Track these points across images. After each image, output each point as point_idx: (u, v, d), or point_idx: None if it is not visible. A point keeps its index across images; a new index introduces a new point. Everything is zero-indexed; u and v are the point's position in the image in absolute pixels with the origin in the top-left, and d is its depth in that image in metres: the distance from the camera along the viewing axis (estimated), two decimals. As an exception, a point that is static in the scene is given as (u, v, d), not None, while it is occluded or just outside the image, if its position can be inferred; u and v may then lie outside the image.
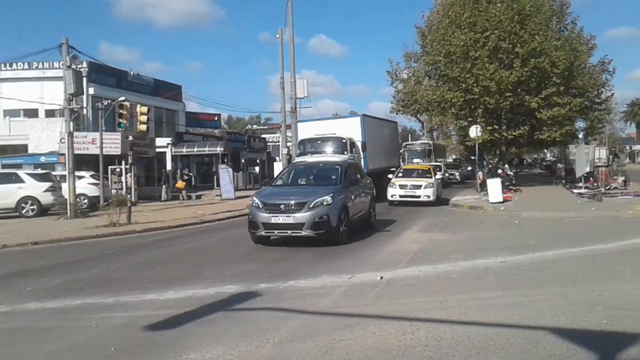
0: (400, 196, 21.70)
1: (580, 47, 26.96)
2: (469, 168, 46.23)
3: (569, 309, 6.06)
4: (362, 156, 22.01)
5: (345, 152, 20.41)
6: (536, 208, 18.26)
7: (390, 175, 22.94)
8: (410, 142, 51.10)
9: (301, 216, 11.24)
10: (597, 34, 29.97)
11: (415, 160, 36.49)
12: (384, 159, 26.38)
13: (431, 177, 22.40)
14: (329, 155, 19.51)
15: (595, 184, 22.49)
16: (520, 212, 17.07)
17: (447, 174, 37.26)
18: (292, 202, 11.44)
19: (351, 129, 22.76)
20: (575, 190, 22.75)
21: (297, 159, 18.23)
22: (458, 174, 42.06)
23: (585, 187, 22.37)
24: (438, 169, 31.39)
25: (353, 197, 12.80)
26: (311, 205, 11.23)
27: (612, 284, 7.31)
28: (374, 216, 14.90)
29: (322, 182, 12.91)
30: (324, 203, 11.34)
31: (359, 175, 14.53)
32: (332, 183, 12.56)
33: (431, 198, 21.43)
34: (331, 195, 11.53)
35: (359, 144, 22.20)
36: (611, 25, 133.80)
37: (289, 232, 11.50)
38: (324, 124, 24.36)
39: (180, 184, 31.99)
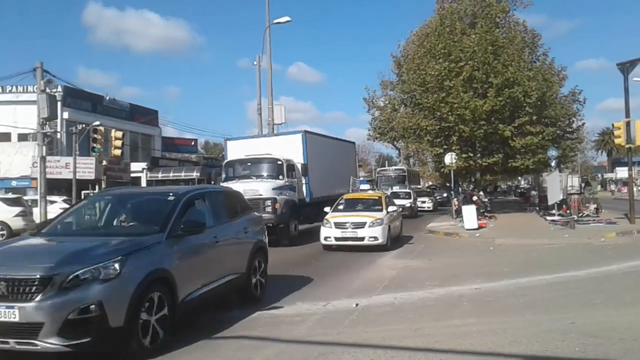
0: (337, 239, 15.40)
1: (552, 78, 27.67)
2: (444, 194, 43.56)
3: (543, 336, 6.07)
4: (303, 181, 19.30)
5: (281, 177, 17.77)
6: (511, 235, 18.41)
7: (327, 209, 17.11)
8: (383, 168, 50.55)
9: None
10: (567, 65, 30.76)
11: (394, 188, 35.56)
12: (336, 185, 22.45)
13: (381, 211, 16.18)
14: (257, 180, 17.36)
15: (568, 212, 22.80)
16: (495, 239, 17.18)
17: (416, 203, 34.02)
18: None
19: (291, 149, 19.40)
20: (548, 218, 23.01)
21: (224, 184, 16.70)
22: (430, 201, 37.63)
23: (559, 215, 22.65)
24: (407, 196, 31.62)
25: (198, 255, 7.10)
26: (52, 290, 5.25)
27: (584, 311, 7.35)
28: (263, 280, 8.94)
29: (130, 228, 7.22)
30: (90, 279, 5.41)
31: (232, 211, 8.69)
32: (145, 232, 6.60)
33: (380, 240, 15.14)
34: (119, 259, 5.65)
35: (299, 167, 19.04)
36: (581, 57, 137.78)
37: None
38: (258, 142, 20.71)
39: None
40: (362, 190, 25.13)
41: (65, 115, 34.29)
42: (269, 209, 16.34)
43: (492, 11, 27.54)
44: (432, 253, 15.00)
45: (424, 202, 36.42)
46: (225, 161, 20.12)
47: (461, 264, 12.64)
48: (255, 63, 29.46)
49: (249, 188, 14.88)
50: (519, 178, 75.57)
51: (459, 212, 23.22)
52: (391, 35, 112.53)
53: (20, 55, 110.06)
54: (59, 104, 31.05)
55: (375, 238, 15.16)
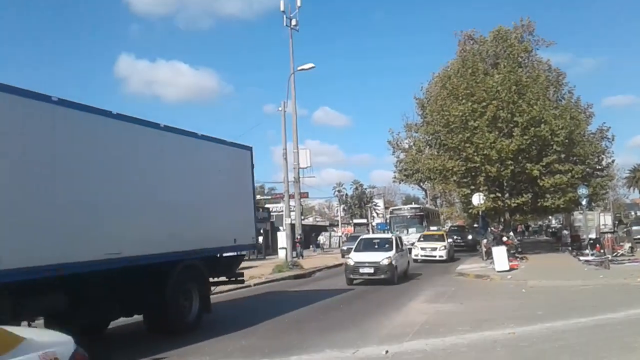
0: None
1: (579, 116, 27.48)
2: (469, 237, 36.52)
3: (581, 383, 5.86)
4: None
5: None
6: (543, 276, 17.98)
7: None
8: (397, 208, 47.62)
9: None
10: (594, 102, 30.55)
11: (409, 230, 34.51)
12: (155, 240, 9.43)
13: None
14: None
15: (601, 251, 22.24)
16: (528, 281, 16.79)
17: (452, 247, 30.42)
18: None
19: None
20: (582, 258, 22.46)
21: None
22: (443, 248, 28.00)
23: (592, 254, 22.12)
24: (440, 239, 30.32)
25: None
26: None
27: (624, 356, 7.11)
28: None
29: None
30: None
31: None
32: None
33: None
34: None
35: None
36: (608, 94, 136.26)
37: None
38: None
39: None
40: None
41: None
42: None
43: (515, 51, 27.68)
44: (463, 296, 14.71)
45: (433, 248, 28.07)
46: None
47: (493, 308, 12.37)
48: (279, 109, 29.87)
49: None
50: (550, 217, 74.23)
51: (489, 254, 22.83)
52: (414, 78, 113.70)
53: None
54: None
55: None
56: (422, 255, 27.64)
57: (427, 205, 48.75)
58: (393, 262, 18.03)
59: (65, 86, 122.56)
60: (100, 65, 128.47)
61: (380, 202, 75.47)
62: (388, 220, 41.03)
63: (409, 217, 39.64)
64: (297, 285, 19.82)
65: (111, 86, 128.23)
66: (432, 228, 36.86)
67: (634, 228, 36.93)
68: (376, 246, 19.65)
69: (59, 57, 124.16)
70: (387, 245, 19.28)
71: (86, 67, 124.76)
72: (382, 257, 18.08)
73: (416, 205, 46.90)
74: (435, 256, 27.46)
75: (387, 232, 36.79)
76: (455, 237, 35.78)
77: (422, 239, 29.71)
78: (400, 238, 22.05)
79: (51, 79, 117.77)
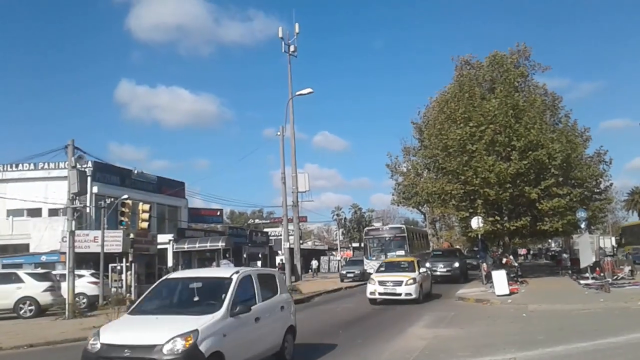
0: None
1: (576, 139, 27.55)
2: (455, 264, 30.38)
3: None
4: None
5: None
6: (544, 300, 17.87)
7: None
8: (373, 227, 40.81)
9: None
10: (592, 126, 30.62)
11: (395, 253, 29.17)
12: None
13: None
14: None
15: (601, 274, 22.14)
16: (528, 305, 16.68)
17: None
18: None
19: None
20: (582, 281, 22.35)
21: None
22: (411, 282, 19.44)
23: (592, 278, 22.01)
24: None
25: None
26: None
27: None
28: None
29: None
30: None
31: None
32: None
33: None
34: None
35: None
36: (605, 117, 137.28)
37: None
38: None
39: None
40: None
41: (95, 189, 35.02)
42: None
43: (511, 76, 27.87)
44: (463, 321, 14.60)
45: (397, 283, 19.52)
46: None
47: (494, 332, 12.27)
48: (278, 133, 30.05)
49: None
50: (550, 240, 74.16)
51: (488, 278, 22.71)
52: (413, 101, 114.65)
53: (55, 132, 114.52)
54: (88, 179, 32.04)
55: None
56: (380, 293, 19.76)
57: (410, 226, 41.87)
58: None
59: (66, 112, 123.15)
60: (100, 92, 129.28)
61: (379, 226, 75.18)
62: (364, 243, 34.20)
63: (387, 238, 32.90)
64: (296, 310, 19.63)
65: (112, 111, 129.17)
66: (397, 253, 30.61)
67: None
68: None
69: (61, 84, 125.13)
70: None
71: (87, 93, 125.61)
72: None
73: (397, 225, 39.09)
74: (399, 294, 19.32)
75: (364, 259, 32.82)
76: (437, 264, 29.99)
77: (382, 269, 21.82)
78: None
79: (52, 105, 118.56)
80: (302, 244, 51.23)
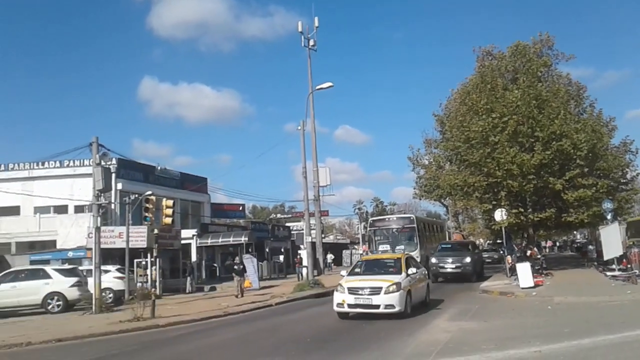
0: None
1: (601, 129, 27.06)
2: (467, 259, 26.92)
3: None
4: None
5: None
6: (569, 292, 17.65)
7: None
8: (379, 218, 35.24)
9: None
10: (616, 116, 29.92)
11: (396, 249, 25.84)
12: None
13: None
14: None
15: (628, 266, 21.77)
16: (553, 297, 16.49)
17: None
18: None
19: None
20: (608, 273, 22.00)
21: None
22: (394, 289, 13.66)
23: (619, 269, 21.66)
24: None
25: None
26: None
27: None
28: None
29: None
30: None
31: None
32: None
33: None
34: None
35: None
36: (631, 106, 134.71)
37: None
38: None
39: (247, 283, 27.20)
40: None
41: (119, 186, 35.43)
42: None
43: (534, 66, 27.44)
44: (488, 314, 14.50)
45: (374, 290, 13.75)
46: None
47: (518, 325, 12.16)
48: (299, 128, 30.02)
49: None
50: (575, 232, 73.14)
51: (513, 270, 22.49)
52: (434, 93, 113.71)
53: (80, 130, 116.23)
54: (113, 175, 32.47)
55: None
56: (349, 305, 13.90)
57: (423, 216, 38.18)
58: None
59: (91, 111, 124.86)
60: (124, 89, 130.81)
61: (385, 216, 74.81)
62: (367, 235, 30.85)
63: (395, 230, 28.93)
64: (318, 304, 19.73)
65: (135, 108, 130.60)
66: (405, 246, 27.10)
67: None
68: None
69: (85, 82, 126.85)
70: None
71: (111, 91, 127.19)
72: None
73: (405, 215, 35.68)
74: (376, 306, 13.57)
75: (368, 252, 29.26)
76: (445, 259, 26.91)
77: (357, 270, 16.14)
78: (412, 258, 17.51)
79: (77, 103, 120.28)
80: (324, 237, 51.33)
